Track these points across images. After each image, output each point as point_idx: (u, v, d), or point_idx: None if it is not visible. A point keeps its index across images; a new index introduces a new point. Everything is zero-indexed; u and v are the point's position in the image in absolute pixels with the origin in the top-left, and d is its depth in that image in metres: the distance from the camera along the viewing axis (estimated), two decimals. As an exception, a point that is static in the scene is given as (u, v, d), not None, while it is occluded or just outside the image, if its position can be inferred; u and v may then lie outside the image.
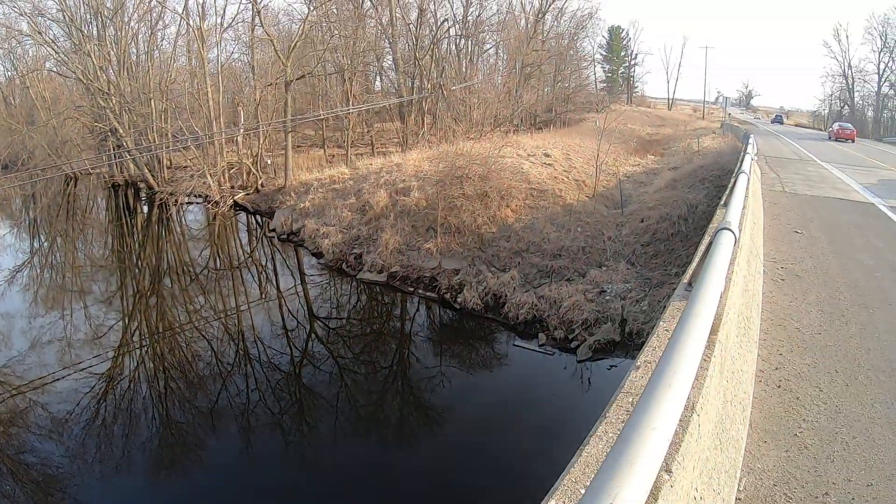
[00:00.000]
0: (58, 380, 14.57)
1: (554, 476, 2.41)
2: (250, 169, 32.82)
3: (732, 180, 9.74)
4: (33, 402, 13.88)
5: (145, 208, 34.75)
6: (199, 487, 10.80)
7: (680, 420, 2.02)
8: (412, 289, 18.16)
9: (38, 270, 25.07)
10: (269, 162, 34.37)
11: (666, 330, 3.68)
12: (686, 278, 4.49)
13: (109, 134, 35.87)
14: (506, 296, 16.35)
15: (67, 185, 41.30)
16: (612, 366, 13.63)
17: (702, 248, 4.89)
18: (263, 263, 23.88)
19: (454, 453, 11.14)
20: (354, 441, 11.88)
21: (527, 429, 11.47)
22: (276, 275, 22.12)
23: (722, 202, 8.85)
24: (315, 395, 13.76)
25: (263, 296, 20.04)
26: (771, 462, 3.77)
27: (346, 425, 12.47)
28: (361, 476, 10.54)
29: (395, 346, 16.14)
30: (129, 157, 35.77)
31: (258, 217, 29.73)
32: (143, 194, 36.64)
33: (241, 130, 34.66)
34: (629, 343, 13.97)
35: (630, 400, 2.99)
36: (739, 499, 3.40)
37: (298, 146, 38.80)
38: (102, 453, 11.80)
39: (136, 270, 24.65)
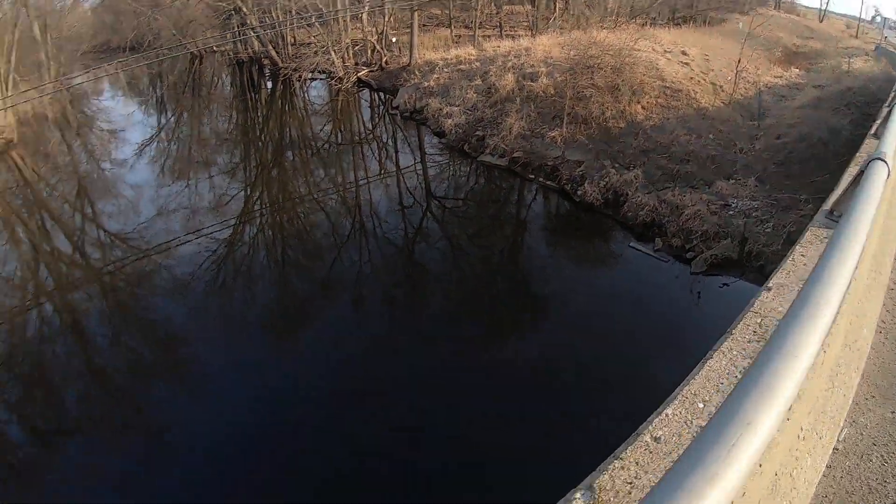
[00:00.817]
0: (182, 244, 15.45)
1: (665, 384, 2.34)
2: (375, 46, 32.67)
3: (886, 109, 8.86)
4: (158, 265, 14.84)
5: (269, 84, 35.39)
6: (309, 349, 11.35)
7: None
8: (532, 176, 17.94)
9: (165, 144, 26.28)
10: (393, 40, 34.09)
11: (802, 255, 3.59)
12: (828, 205, 4.27)
13: (233, 12, 36.13)
14: (627, 194, 15.91)
15: (192, 63, 42.45)
16: (724, 283, 13.09)
17: (848, 176, 4.63)
18: (384, 140, 24.05)
19: (560, 347, 11.02)
20: (461, 320, 12.07)
21: (637, 331, 11.22)
22: (396, 152, 22.28)
23: (872, 131, 8.04)
24: (426, 271, 14.03)
25: (383, 171, 20.31)
26: (875, 419, 3.41)
27: (454, 303, 12.67)
28: (463, 356, 10.74)
29: (510, 231, 16.14)
30: (252, 34, 36.14)
31: (381, 94, 29.80)
32: (266, 71, 37.28)
33: (366, 7, 34.29)
34: (746, 264, 13.34)
35: (758, 321, 2.93)
36: (837, 449, 3.15)
37: (424, 25, 38.13)
38: (222, 313, 12.58)
39: (259, 143, 25.41)
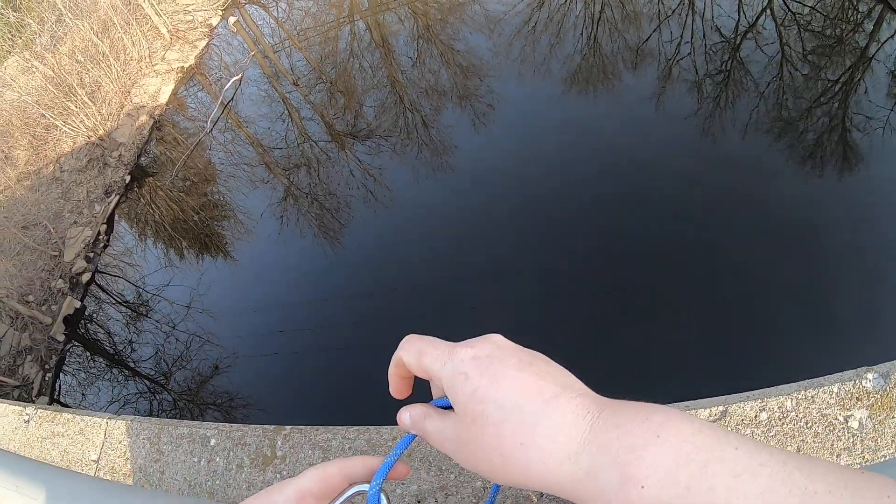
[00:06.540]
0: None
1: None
2: None
3: None
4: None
5: None
6: (597, 106, 10.84)
7: None
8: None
9: None
10: None
11: None
12: None
13: None
14: None
15: None
16: None
17: None
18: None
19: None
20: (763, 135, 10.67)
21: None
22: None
23: None
24: (744, 72, 12.42)
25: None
26: None
27: (758, 123, 11.16)
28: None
29: (848, 62, 13.62)
30: None
31: None
32: None
33: None
34: None
35: None
36: None
37: None
38: (524, 57, 12.35)
39: None
